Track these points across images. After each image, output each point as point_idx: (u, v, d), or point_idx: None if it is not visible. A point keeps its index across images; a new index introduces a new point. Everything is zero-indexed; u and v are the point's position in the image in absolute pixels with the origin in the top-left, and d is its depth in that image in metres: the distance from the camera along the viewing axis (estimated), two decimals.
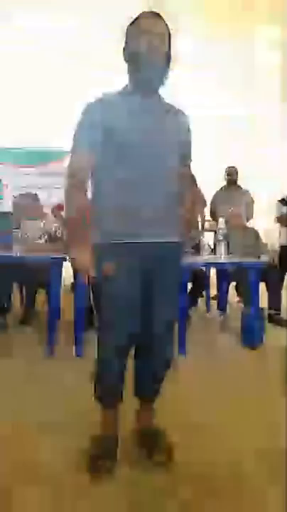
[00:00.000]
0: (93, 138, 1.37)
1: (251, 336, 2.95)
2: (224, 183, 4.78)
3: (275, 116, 6.90)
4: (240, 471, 1.48)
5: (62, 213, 5.16)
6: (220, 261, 3.18)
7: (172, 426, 1.66)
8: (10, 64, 6.90)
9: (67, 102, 6.38)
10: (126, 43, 1.41)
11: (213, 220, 4.78)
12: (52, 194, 6.26)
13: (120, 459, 1.49)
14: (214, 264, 3.51)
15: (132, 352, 1.55)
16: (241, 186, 4.78)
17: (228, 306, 3.90)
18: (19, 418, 1.82)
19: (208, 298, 4.23)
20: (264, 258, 3.87)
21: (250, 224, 4.52)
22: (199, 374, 2.42)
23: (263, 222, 4.86)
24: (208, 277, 4.12)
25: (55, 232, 3.51)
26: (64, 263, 2.97)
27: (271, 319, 3.62)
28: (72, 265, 1.41)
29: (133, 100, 1.40)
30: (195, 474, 1.45)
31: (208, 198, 4.98)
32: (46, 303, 3.07)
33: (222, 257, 3.16)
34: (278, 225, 4.54)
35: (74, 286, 3.24)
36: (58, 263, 2.91)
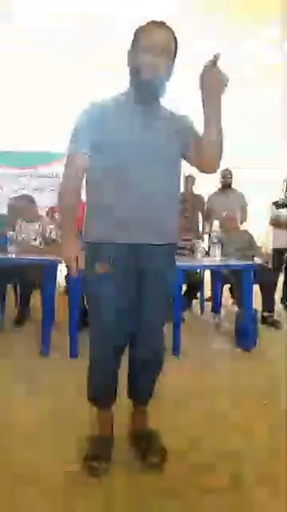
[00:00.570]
0: (89, 140, 1.39)
1: (244, 337, 2.98)
2: (219, 185, 4.82)
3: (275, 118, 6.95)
4: (234, 473, 1.49)
5: (57, 215, 5.17)
6: (214, 263, 3.21)
7: (165, 427, 1.67)
8: (5, 66, 6.89)
9: (64, 104, 6.39)
10: (131, 47, 1.41)
11: (208, 222, 4.83)
12: (47, 196, 6.27)
13: (114, 460, 1.49)
14: (209, 267, 3.54)
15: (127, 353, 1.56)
16: (236, 189, 4.82)
17: (222, 308, 3.93)
18: (11, 418, 1.83)
19: (202, 300, 4.26)
20: (258, 260, 3.90)
21: (244, 226, 4.56)
22: (193, 375, 2.43)
23: (260, 225, 4.91)
24: (202, 279, 4.15)
25: (50, 234, 3.51)
26: (59, 265, 2.98)
27: (265, 321, 3.65)
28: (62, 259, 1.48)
29: (131, 106, 1.41)
30: (188, 476, 1.46)
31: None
32: (40, 304, 3.07)
33: (217, 259, 3.19)
34: (271, 227, 4.59)
35: (68, 287, 3.24)
36: (53, 265, 2.91)
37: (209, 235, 3.75)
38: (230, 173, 4.75)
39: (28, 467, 1.48)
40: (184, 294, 3.67)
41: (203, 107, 1.36)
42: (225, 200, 4.63)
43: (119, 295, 1.40)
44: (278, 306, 4.17)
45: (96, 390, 1.55)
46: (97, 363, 1.50)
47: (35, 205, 3.73)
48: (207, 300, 4.29)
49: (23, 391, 2.12)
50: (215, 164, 1.45)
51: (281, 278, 4.42)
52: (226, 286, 3.94)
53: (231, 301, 4.36)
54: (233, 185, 4.77)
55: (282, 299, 4.41)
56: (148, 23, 1.38)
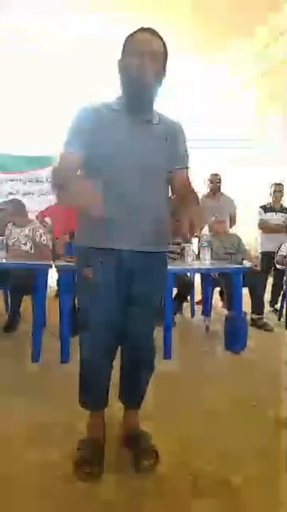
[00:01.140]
0: (81, 142, 1.40)
1: (234, 340, 3.01)
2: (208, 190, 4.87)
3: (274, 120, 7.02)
4: (225, 474, 1.50)
5: (47, 220, 5.17)
6: (204, 267, 3.24)
7: (157, 429, 1.68)
8: None
9: (55, 109, 6.40)
10: (121, 55, 1.43)
11: None
12: (37, 201, 6.25)
13: (106, 462, 1.50)
14: (199, 270, 3.57)
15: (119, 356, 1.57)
16: (224, 193, 4.87)
17: (212, 311, 3.96)
18: (2, 423, 1.82)
19: (193, 303, 4.29)
20: (247, 263, 3.95)
21: (232, 230, 4.61)
22: (184, 378, 2.45)
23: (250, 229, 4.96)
24: (193, 282, 4.18)
25: (41, 238, 3.51)
26: (49, 270, 2.98)
27: (254, 324, 3.69)
28: (75, 204, 1.32)
29: (122, 113, 1.43)
30: (180, 478, 1.47)
31: None
32: (31, 309, 3.06)
33: (206, 262, 3.22)
34: (260, 231, 4.65)
35: (59, 292, 3.24)
36: (43, 270, 2.91)
37: (199, 239, 3.78)
38: (218, 177, 4.81)
39: (19, 471, 1.48)
40: (174, 298, 3.70)
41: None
42: (214, 204, 4.68)
43: (108, 300, 1.42)
44: (267, 308, 4.22)
45: (87, 393, 1.56)
46: (88, 366, 1.51)
47: (25, 209, 3.72)
48: (198, 303, 4.32)
49: (13, 396, 2.12)
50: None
51: (270, 281, 4.48)
52: (217, 290, 3.97)
53: (221, 304, 4.40)
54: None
55: (270, 302, 4.47)
56: (136, 30, 1.40)
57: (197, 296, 4.33)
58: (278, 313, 4.22)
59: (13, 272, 3.19)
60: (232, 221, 4.79)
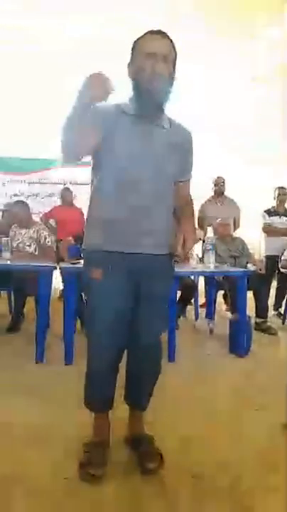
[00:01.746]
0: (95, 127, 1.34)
1: (238, 343, 3.00)
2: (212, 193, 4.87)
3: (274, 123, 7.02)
4: (230, 479, 1.49)
5: (51, 222, 5.19)
6: (208, 270, 3.23)
7: (161, 432, 1.67)
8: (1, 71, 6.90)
9: (60, 110, 6.44)
10: (131, 59, 1.42)
11: (201, 229, 4.87)
12: (42, 202, 6.28)
13: (110, 464, 1.49)
14: (203, 273, 3.56)
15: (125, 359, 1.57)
16: (229, 196, 4.87)
17: (216, 314, 3.95)
18: (7, 425, 1.82)
19: (197, 306, 4.28)
20: (251, 267, 3.94)
21: (236, 234, 4.60)
22: (188, 381, 2.44)
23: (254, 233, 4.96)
24: (197, 286, 4.17)
25: (45, 240, 3.52)
26: (53, 271, 2.99)
27: (258, 327, 3.68)
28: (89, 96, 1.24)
29: (132, 117, 1.41)
30: (184, 481, 1.46)
31: (196, 208, 5.06)
32: (35, 310, 3.06)
33: (210, 266, 3.21)
34: (264, 234, 4.65)
35: (63, 293, 3.24)
36: (47, 272, 2.91)
37: (203, 242, 3.78)
38: (223, 180, 4.81)
39: (25, 474, 1.47)
40: (178, 301, 3.69)
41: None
42: (218, 208, 4.68)
43: (118, 303, 1.42)
44: (271, 312, 4.21)
45: (93, 396, 1.56)
46: (95, 369, 1.51)
47: (30, 211, 3.73)
48: (202, 306, 4.31)
49: (18, 398, 2.12)
50: None
51: (274, 284, 4.46)
52: (220, 293, 3.96)
53: (225, 307, 4.38)
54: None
55: (275, 306, 4.45)
56: (146, 33, 1.40)
57: (201, 299, 4.32)
58: (282, 316, 4.21)
59: (17, 273, 3.20)
60: (236, 224, 4.78)
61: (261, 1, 5.38)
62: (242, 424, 1.91)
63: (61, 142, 1.35)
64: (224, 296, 4.12)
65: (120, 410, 1.62)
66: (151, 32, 1.39)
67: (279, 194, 4.62)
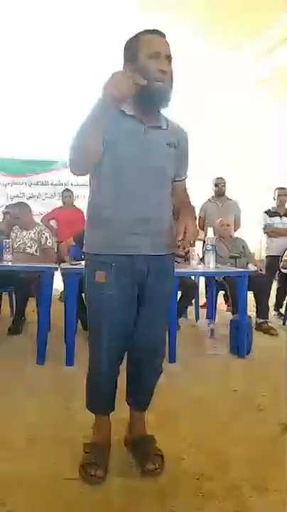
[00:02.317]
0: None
1: (239, 344, 3.00)
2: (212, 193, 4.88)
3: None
4: (231, 480, 1.50)
5: (52, 223, 5.20)
6: (209, 270, 3.24)
7: (162, 433, 1.68)
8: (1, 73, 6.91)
9: (62, 112, 6.45)
10: (130, 58, 1.39)
11: (202, 230, 4.87)
12: (42, 203, 6.29)
13: (111, 466, 1.50)
14: (203, 274, 3.57)
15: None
16: (229, 197, 4.88)
17: (217, 314, 3.95)
18: (9, 426, 1.83)
19: (197, 307, 4.28)
20: (252, 267, 3.94)
21: (238, 234, 4.61)
22: (189, 382, 2.44)
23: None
24: (197, 286, 4.18)
25: (46, 241, 3.52)
26: (55, 272, 2.99)
27: (259, 328, 3.68)
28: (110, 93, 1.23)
29: (135, 118, 1.41)
30: (185, 482, 1.46)
31: (197, 208, 5.08)
32: (36, 312, 3.07)
33: (211, 266, 3.21)
34: (265, 235, 4.65)
35: (64, 295, 3.25)
36: (49, 272, 2.92)
37: (204, 243, 3.79)
38: (223, 181, 4.82)
39: (26, 474, 1.48)
40: (179, 301, 3.69)
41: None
42: (219, 208, 4.69)
43: (120, 305, 1.42)
44: (272, 312, 4.21)
45: (95, 398, 1.56)
46: (97, 372, 1.51)
47: (31, 212, 3.75)
48: (202, 307, 4.31)
49: (19, 398, 2.13)
50: None
51: (275, 285, 4.47)
52: (221, 293, 3.97)
53: (225, 307, 4.39)
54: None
55: (275, 306, 4.45)
56: (144, 32, 1.38)
57: (202, 299, 4.33)
58: (283, 317, 4.21)
59: (19, 274, 3.21)
60: (237, 224, 4.79)
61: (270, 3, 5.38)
62: (243, 424, 1.92)
63: (70, 155, 1.35)
64: (225, 297, 4.13)
65: (121, 411, 1.62)
66: (150, 31, 1.38)
67: (279, 195, 4.62)
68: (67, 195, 5.33)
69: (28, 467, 1.52)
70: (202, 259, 3.48)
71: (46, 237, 3.54)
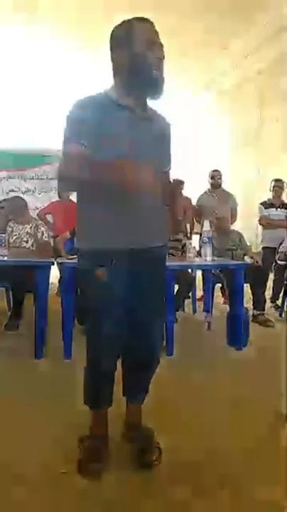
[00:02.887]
0: (86, 137, 1.33)
1: (236, 336, 3.01)
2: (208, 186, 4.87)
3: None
4: (227, 471, 1.52)
5: (48, 217, 5.17)
6: (205, 263, 3.24)
7: (159, 426, 1.68)
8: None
9: (57, 105, 6.39)
10: (123, 45, 1.37)
11: (198, 222, 4.87)
12: (38, 198, 6.25)
13: (109, 460, 1.50)
14: (200, 266, 3.57)
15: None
16: (226, 189, 4.87)
17: (214, 307, 3.97)
18: (7, 420, 1.83)
19: (194, 300, 4.29)
20: (248, 260, 3.95)
21: (234, 226, 4.61)
22: (186, 374, 2.46)
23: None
24: (194, 279, 4.18)
25: (42, 235, 3.51)
26: (51, 267, 2.99)
27: (256, 320, 3.70)
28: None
29: (127, 109, 1.40)
30: (183, 475, 1.48)
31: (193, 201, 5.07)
32: (34, 307, 3.07)
33: (207, 259, 3.22)
34: (260, 227, 4.66)
35: (61, 289, 3.25)
36: (45, 267, 2.92)
37: (200, 235, 3.79)
38: (219, 173, 4.80)
39: (24, 468, 1.49)
40: (176, 294, 3.70)
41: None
42: (215, 201, 4.68)
43: (119, 301, 1.42)
44: (268, 304, 4.23)
45: (93, 393, 1.56)
46: (95, 367, 1.51)
47: (27, 207, 3.72)
48: (199, 300, 4.33)
49: (17, 393, 2.13)
50: None
51: (271, 277, 4.48)
52: (218, 286, 3.98)
53: (222, 300, 4.40)
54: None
55: (272, 298, 4.47)
56: (136, 20, 1.37)
57: (199, 292, 4.33)
58: (280, 309, 4.23)
59: (15, 269, 3.19)
60: (233, 217, 4.79)
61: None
62: (240, 416, 1.93)
63: (59, 185, 1.36)
64: (222, 290, 4.14)
65: (118, 404, 1.63)
66: (141, 19, 1.37)
67: (275, 186, 4.62)
68: None
69: (26, 460, 1.53)
70: (198, 252, 3.48)
71: (42, 232, 3.52)
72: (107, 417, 1.60)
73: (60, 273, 3.38)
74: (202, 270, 3.92)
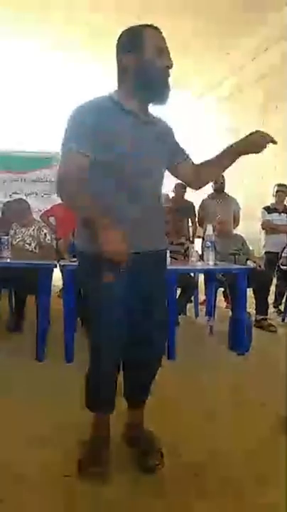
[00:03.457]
0: (91, 142, 1.33)
1: (238, 341, 3.00)
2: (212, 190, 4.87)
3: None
4: (230, 475, 1.50)
5: (51, 220, 5.18)
6: (208, 267, 3.24)
7: (161, 429, 1.68)
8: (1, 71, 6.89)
9: (58, 108, 6.43)
10: (132, 50, 1.37)
11: (201, 226, 4.88)
12: (41, 200, 6.27)
13: (111, 463, 1.49)
14: (203, 270, 3.57)
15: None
16: (228, 194, 4.87)
17: (216, 311, 3.96)
18: (8, 423, 1.83)
19: (197, 304, 4.29)
20: (251, 264, 3.94)
21: (237, 230, 4.61)
22: (188, 378, 2.45)
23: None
24: (196, 283, 4.18)
25: (45, 238, 3.51)
26: (54, 269, 2.99)
27: (259, 325, 3.68)
28: (105, 253, 1.24)
29: (132, 113, 1.39)
30: (185, 479, 1.47)
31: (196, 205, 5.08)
32: (36, 309, 3.07)
33: (210, 263, 3.21)
34: (263, 231, 4.65)
35: (63, 291, 3.25)
36: (48, 269, 2.92)
37: (203, 239, 3.79)
38: (222, 177, 4.80)
39: (26, 471, 1.48)
40: (178, 298, 3.69)
41: (229, 152, 1.51)
42: (218, 205, 4.68)
43: (122, 304, 1.41)
44: (271, 309, 4.21)
45: (95, 398, 1.55)
46: (98, 372, 1.50)
47: (30, 209, 3.73)
48: (202, 304, 4.32)
49: (18, 395, 2.12)
50: (203, 186, 1.64)
51: (274, 282, 4.47)
52: (220, 290, 3.97)
53: (224, 304, 4.39)
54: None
55: (274, 303, 4.46)
56: (145, 26, 1.38)
57: (201, 296, 4.33)
58: (282, 314, 4.21)
59: (18, 271, 3.20)
60: (236, 221, 4.79)
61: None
62: (242, 421, 1.92)
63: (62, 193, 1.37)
64: (224, 294, 4.13)
65: (120, 406, 1.62)
66: (151, 26, 1.38)
67: (278, 191, 4.62)
68: None
69: (28, 463, 1.52)
70: (201, 256, 3.48)
71: (45, 234, 3.52)
72: (109, 419, 1.59)
73: (62, 275, 3.38)
74: (205, 274, 3.91)
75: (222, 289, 3.94)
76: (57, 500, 1.34)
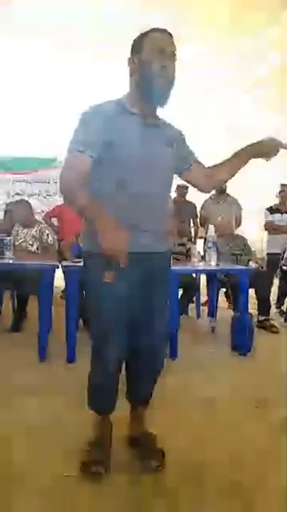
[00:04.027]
0: (91, 142, 1.34)
1: (240, 341, 3.00)
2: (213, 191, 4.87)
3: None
4: (230, 476, 1.51)
5: (54, 221, 5.20)
6: (210, 267, 3.24)
7: (162, 429, 1.68)
8: (2, 72, 6.91)
9: (60, 109, 6.44)
10: (136, 55, 1.39)
11: (203, 227, 4.88)
12: (44, 201, 6.28)
13: (112, 464, 1.50)
14: (204, 271, 3.57)
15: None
16: (230, 195, 4.87)
17: (218, 312, 3.96)
18: (11, 423, 1.83)
19: (198, 304, 4.29)
20: (253, 265, 3.94)
21: (239, 231, 4.60)
22: (190, 379, 2.45)
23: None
24: (198, 284, 4.18)
25: (47, 239, 3.53)
26: (56, 270, 3.00)
27: (260, 325, 3.68)
28: (105, 253, 1.24)
29: (138, 116, 1.40)
30: (185, 480, 1.47)
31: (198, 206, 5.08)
32: (38, 309, 3.08)
33: (212, 263, 3.21)
34: (266, 232, 4.65)
35: (65, 292, 3.25)
36: (50, 270, 2.93)
37: (205, 240, 3.79)
38: None
39: (28, 471, 1.48)
40: (180, 299, 3.69)
41: (240, 156, 1.54)
42: (220, 206, 4.68)
43: (124, 305, 1.41)
44: (273, 310, 4.21)
45: (97, 398, 1.56)
46: (100, 372, 1.50)
47: (32, 210, 3.74)
48: (203, 304, 4.32)
49: (20, 395, 2.13)
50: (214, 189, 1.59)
51: (276, 282, 4.47)
52: (222, 291, 3.97)
53: (226, 305, 4.39)
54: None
55: (276, 303, 4.45)
56: (152, 30, 1.39)
57: (203, 297, 4.33)
58: (285, 314, 4.21)
59: (20, 272, 3.21)
60: (237, 222, 4.79)
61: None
62: (244, 422, 1.92)
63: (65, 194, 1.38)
64: (226, 294, 4.13)
65: (121, 407, 1.62)
66: (157, 29, 1.39)
67: (282, 191, 4.61)
68: None
69: (30, 463, 1.53)
70: (203, 257, 3.48)
71: (47, 235, 3.53)
72: (111, 420, 1.59)
73: (65, 276, 3.39)
74: (207, 275, 3.91)
75: (224, 290, 3.93)
76: (57, 500, 1.35)
